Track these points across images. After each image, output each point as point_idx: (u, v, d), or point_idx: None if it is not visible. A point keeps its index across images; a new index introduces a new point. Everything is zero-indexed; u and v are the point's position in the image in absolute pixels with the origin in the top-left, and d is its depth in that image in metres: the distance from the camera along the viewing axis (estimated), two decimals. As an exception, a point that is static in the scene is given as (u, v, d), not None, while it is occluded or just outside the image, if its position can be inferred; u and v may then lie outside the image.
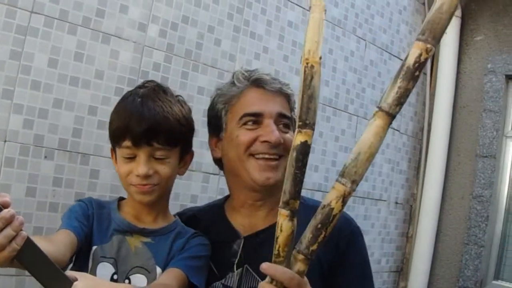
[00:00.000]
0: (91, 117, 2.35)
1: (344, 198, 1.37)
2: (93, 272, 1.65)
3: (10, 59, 2.14)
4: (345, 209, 1.95)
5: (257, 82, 1.89)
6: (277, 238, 1.40)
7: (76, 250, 1.61)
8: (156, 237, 1.75)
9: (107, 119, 2.30)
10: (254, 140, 1.82)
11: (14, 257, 1.20)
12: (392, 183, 4.03)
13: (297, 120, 1.40)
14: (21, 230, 1.20)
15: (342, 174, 1.37)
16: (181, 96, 1.89)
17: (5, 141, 2.13)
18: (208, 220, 1.98)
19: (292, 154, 1.38)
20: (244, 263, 1.81)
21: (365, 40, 3.71)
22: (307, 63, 1.38)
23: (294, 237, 1.41)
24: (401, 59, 3.96)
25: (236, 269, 1.82)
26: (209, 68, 2.79)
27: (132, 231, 1.74)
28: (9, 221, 1.17)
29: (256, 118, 1.84)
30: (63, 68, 2.28)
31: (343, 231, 1.87)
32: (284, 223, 1.39)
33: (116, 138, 1.72)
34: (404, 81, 1.35)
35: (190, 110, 1.86)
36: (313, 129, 1.38)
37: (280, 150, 1.81)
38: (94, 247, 1.69)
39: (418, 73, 1.34)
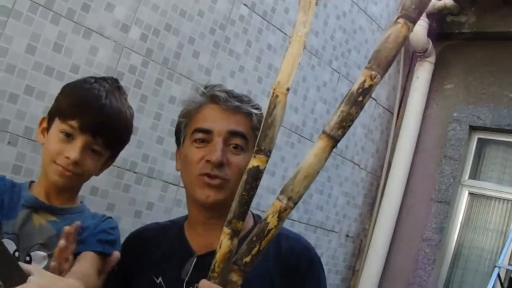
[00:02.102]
0: (60, 109, 2.34)
1: (280, 214, 1.40)
2: None
3: (-12, 39, 2.13)
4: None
5: (213, 98, 1.85)
6: (215, 254, 1.43)
7: None
8: (63, 216, 1.73)
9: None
10: (201, 159, 1.79)
11: None
12: (345, 216, 4.08)
13: (256, 144, 1.43)
14: None
15: (281, 191, 1.41)
16: (132, 108, 1.87)
17: (-30, 121, 2.12)
18: (168, 237, 1.97)
19: (244, 177, 1.41)
20: (195, 281, 1.80)
21: (339, 73, 3.77)
22: (273, 93, 1.42)
23: (232, 256, 1.43)
24: (373, 98, 4.05)
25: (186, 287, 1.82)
26: (183, 79, 2.81)
27: (39, 207, 1.70)
28: None
29: (206, 136, 1.81)
30: (40, 56, 2.28)
31: (303, 259, 1.88)
32: (224, 241, 1.42)
33: (64, 113, 1.68)
34: (347, 105, 1.39)
35: (132, 123, 1.87)
36: (267, 156, 1.41)
37: (223, 172, 1.77)
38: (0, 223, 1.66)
39: (361, 98, 1.39)
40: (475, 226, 4.21)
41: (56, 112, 1.72)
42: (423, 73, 4.35)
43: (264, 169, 1.42)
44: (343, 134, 1.41)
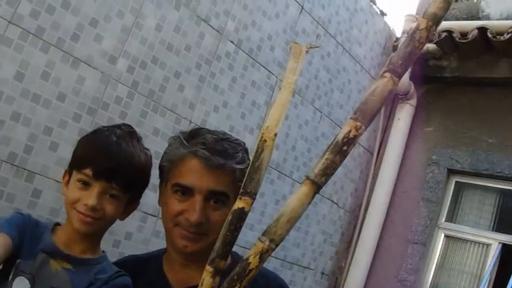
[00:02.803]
0: (45, 136, 2.38)
1: (262, 255, 1.43)
2: (10, 285, 1.66)
3: (-22, 65, 2.17)
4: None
5: (195, 155, 1.83)
6: None
7: (7, 256, 1.62)
8: (78, 266, 1.75)
9: (60, 142, 2.35)
10: (180, 213, 1.80)
11: None
12: (322, 254, 4.11)
13: (242, 186, 1.47)
14: None
15: (264, 233, 1.45)
16: (149, 150, 1.91)
17: (-45, 144, 2.14)
18: (147, 271, 1.98)
19: (228, 217, 1.45)
20: None
21: (321, 112, 3.83)
22: (262, 137, 1.46)
23: None
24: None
25: None
26: (168, 112, 2.85)
27: (57, 255, 1.74)
28: None
29: (187, 191, 1.81)
30: (28, 83, 2.31)
31: (271, 285, 1.91)
32: (206, 279, 1.45)
33: (79, 162, 1.74)
34: (332, 154, 1.44)
35: (151, 165, 1.91)
36: (253, 198, 1.45)
37: (202, 229, 1.79)
38: (18, 260, 1.69)
39: (346, 147, 1.44)
40: (450, 268, 4.25)
41: (73, 164, 1.77)
42: (404, 115, 4.43)
43: (249, 211, 1.46)
44: (326, 181, 1.46)
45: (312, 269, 4.03)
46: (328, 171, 1.46)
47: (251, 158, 1.49)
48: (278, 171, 3.57)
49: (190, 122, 2.97)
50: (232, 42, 3.16)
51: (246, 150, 1.91)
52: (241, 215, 1.45)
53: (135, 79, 2.69)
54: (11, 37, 2.25)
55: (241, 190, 1.46)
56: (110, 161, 1.72)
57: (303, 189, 1.47)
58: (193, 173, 1.82)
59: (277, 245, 1.45)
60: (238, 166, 1.84)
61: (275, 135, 1.47)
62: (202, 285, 1.46)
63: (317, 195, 3.52)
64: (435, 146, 4.36)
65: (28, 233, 1.74)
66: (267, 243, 1.44)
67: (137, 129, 2.42)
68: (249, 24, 3.25)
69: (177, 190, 1.82)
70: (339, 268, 4.35)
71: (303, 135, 3.71)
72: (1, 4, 2.20)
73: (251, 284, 1.87)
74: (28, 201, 2.35)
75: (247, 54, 3.26)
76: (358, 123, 1.43)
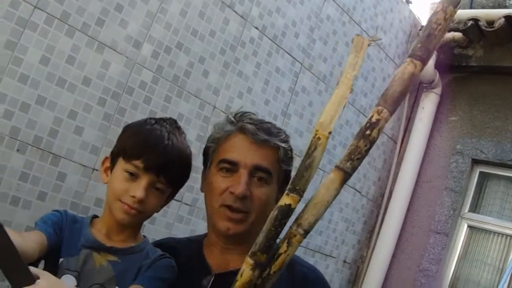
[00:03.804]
0: (70, 120, 2.39)
1: (290, 240, 1.45)
2: None
3: (5, 48, 2.18)
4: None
5: (242, 129, 1.88)
6: (235, 281, 1.47)
7: (44, 254, 1.62)
8: (123, 256, 1.76)
9: (84, 126, 2.36)
10: (225, 190, 1.82)
11: None
12: (344, 242, 4.10)
13: (290, 182, 1.47)
14: None
15: (294, 220, 1.46)
16: (190, 147, 1.92)
17: (-19, 126, 2.15)
18: (185, 253, 1.98)
19: (274, 212, 1.46)
20: None
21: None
22: (315, 134, 1.46)
23: (252, 286, 1.46)
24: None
25: None
26: (192, 97, 2.85)
27: (99, 248, 1.75)
28: None
29: (232, 166, 1.84)
30: (53, 67, 2.32)
31: (308, 278, 1.91)
32: (246, 271, 1.46)
33: (128, 153, 1.75)
34: (356, 139, 1.46)
35: (191, 161, 1.92)
36: (301, 196, 1.46)
37: (246, 204, 1.81)
38: (61, 259, 1.70)
39: (369, 132, 1.45)
40: (472, 260, 4.21)
41: (119, 152, 1.78)
42: (428, 104, 4.38)
43: (295, 208, 1.47)
44: (352, 166, 1.45)
45: (334, 257, 4.02)
46: (352, 156, 1.46)
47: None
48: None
49: (214, 107, 2.96)
50: (256, 28, 3.14)
51: (287, 134, 1.95)
52: (287, 211, 1.46)
53: (159, 64, 2.69)
54: (36, 22, 2.25)
55: (289, 186, 1.46)
56: (163, 155, 1.74)
57: (330, 176, 1.47)
58: (239, 148, 1.86)
59: (306, 231, 1.45)
60: (282, 144, 1.88)
61: (330, 133, 1.46)
62: (241, 276, 1.46)
63: (341, 183, 3.42)
64: (460, 136, 4.31)
65: (67, 230, 1.75)
66: (294, 228, 1.46)
67: (162, 115, 2.46)
68: (273, 10, 3.23)
69: (222, 167, 1.85)
70: (361, 257, 4.34)
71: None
72: (26, -11, 2.20)
73: (289, 274, 1.89)
74: (53, 184, 2.36)
75: (271, 40, 3.24)
76: (380, 107, 1.47)
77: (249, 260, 1.46)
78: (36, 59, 2.27)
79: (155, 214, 2.60)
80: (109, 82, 2.51)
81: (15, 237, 1.31)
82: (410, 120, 4.51)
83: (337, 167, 1.46)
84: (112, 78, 2.52)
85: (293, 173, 1.54)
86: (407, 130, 4.49)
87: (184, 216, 2.81)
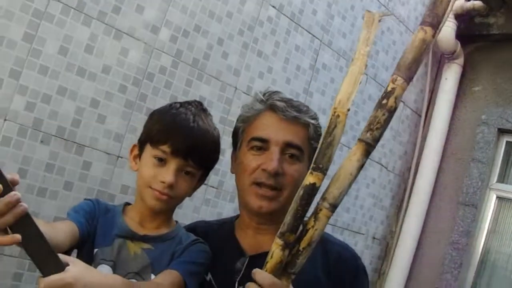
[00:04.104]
0: (92, 109, 2.39)
1: (316, 214, 1.46)
2: None
3: (22, 41, 2.18)
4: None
5: (272, 107, 1.87)
6: (266, 262, 1.47)
7: (77, 243, 1.63)
8: (157, 244, 1.76)
9: (107, 114, 2.36)
10: (257, 168, 1.82)
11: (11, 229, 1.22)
12: (372, 218, 4.08)
13: (312, 162, 1.47)
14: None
15: (322, 195, 1.47)
16: (217, 128, 1.91)
17: (5, 119, 2.16)
18: (217, 236, 1.98)
19: (300, 192, 1.46)
20: (246, 281, 1.81)
21: (367, 74, 3.77)
22: (334, 112, 1.46)
23: (282, 266, 1.47)
24: (401, 100, 4.03)
25: (237, 287, 1.83)
26: (213, 80, 2.83)
27: (133, 237, 1.75)
28: (13, 206, 1.20)
29: (263, 144, 1.83)
30: (72, 57, 2.32)
31: (350, 267, 1.90)
32: (276, 252, 1.47)
33: (156, 138, 1.74)
34: (374, 110, 1.47)
35: (220, 142, 1.91)
36: (324, 174, 1.46)
37: (278, 181, 1.80)
38: (96, 249, 1.71)
39: (385, 101, 1.46)
40: (502, 231, 4.16)
41: (146, 139, 1.78)
42: (451, 75, 4.32)
43: (320, 186, 1.47)
44: (373, 136, 1.45)
45: (363, 234, 4.00)
46: (372, 127, 1.46)
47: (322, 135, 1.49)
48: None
49: (236, 88, 2.95)
50: (273, 7, 3.10)
51: (315, 112, 1.94)
52: (312, 190, 1.46)
53: (178, 48, 2.67)
54: (52, 13, 2.25)
55: (312, 165, 1.46)
56: (189, 138, 1.72)
57: (352, 148, 1.47)
58: (269, 125, 1.85)
59: (331, 204, 1.45)
60: (312, 121, 1.87)
61: (348, 110, 1.45)
62: (272, 257, 1.46)
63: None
64: (485, 106, 4.25)
65: (100, 220, 1.76)
66: (320, 202, 1.46)
67: (183, 98, 2.45)
68: (290, -13, 3.19)
69: (253, 145, 1.85)
70: (390, 232, 4.32)
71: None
72: (41, -19, 2.20)
73: (322, 253, 1.89)
74: (79, 174, 2.37)
75: (289, 18, 3.20)
76: (394, 76, 1.48)
77: (278, 241, 1.46)
78: (54, 50, 2.27)
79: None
80: (129, 69, 2.50)
81: (44, 227, 1.31)
82: (433, 92, 4.45)
83: (358, 139, 1.47)
84: (131, 65, 2.51)
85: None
86: (431, 102, 4.43)
87: (210, 199, 2.81)
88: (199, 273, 1.77)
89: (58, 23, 2.27)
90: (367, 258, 4.12)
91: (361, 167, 1.46)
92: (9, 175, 1.23)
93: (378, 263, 4.26)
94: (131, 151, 1.87)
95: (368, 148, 1.46)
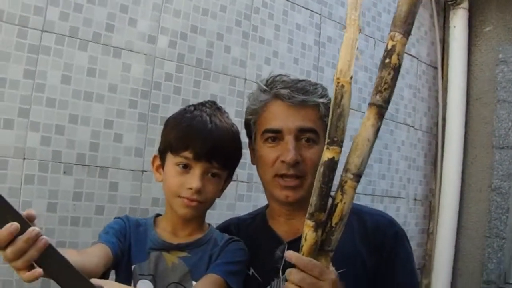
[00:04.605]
0: (107, 130, 2.38)
1: (342, 188, 1.44)
2: None
3: (24, 78, 2.17)
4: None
5: (277, 96, 1.85)
6: (301, 246, 1.46)
7: (112, 264, 1.63)
8: (193, 250, 1.76)
9: (122, 132, 2.35)
10: (276, 160, 1.80)
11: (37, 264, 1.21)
12: (410, 180, 4.02)
13: (326, 137, 1.44)
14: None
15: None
16: (235, 125, 1.89)
17: (24, 158, 2.16)
18: (251, 229, 1.98)
19: (320, 169, 1.44)
20: (289, 268, 1.80)
21: (373, 38, 3.71)
22: (338, 83, 1.44)
23: (318, 247, 1.45)
24: (411, 55, 3.97)
25: (282, 275, 1.81)
26: (220, 76, 2.81)
27: (168, 248, 1.75)
28: (34, 241, 1.18)
29: (276, 135, 1.81)
30: (76, 84, 2.31)
31: (388, 234, 1.87)
32: (308, 234, 1.45)
33: (176, 146, 1.73)
34: (379, 71, 1.45)
35: (240, 139, 1.89)
36: (340, 146, 1.44)
37: (299, 169, 1.78)
38: (133, 266, 1.71)
39: (388, 60, 1.43)
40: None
41: (166, 148, 1.77)
42: (458, 21, 4.22)
43: (338, 160, 1.44)
44: (383, 98, 1.43)
45: (403, 198, 3.95)
46: (379, 88, 1.44)
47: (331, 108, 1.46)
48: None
49: (245, 80, 2.92)
50: (266, -10, 3.07)
51: (324, 88, 1.91)
52: (332, 165, 1.43)
53: (179, 52, 2.65)
54: (48, 45, 2.24)
55: (327, 140, 1.44)
56: (209, 140, 1.70)
57: (365, 114, 1.46)
58: (278, 115, 1.82)
59: (355, 174, 1.42)
60: (321, 100, 1.84)
61: (351, 78, 1.43)
62: (306, 240, 1.45)
63: (391, 122, 3.47)
64: (499, 45, 4.14)
65: (132, 235, 1.75)
66: (343, 175, 1.44)
67: (194, 100, 2.44)
68: (279, -33, 3.15)
69: (267, 138, 1.83)
70: (431, 190, 4.25)
71: (361, 65, 3.61)
72: (29, 17, 2.18)
73: (359, 225, 1.87)
74: (107, 196, 2.37)
75: (283, -1, 3.17)
76: (391, 33, 1.44)
77: (309, 223, 1.44)
78: (57, 80, 2.26)
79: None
80: (134, 83, 2.49)
81: (74, 256, 1.31)
82: (444, 42, 4.37)
83: (369, 104, 1.45)
84: (136, 79, 2.49)
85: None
86: (444, 53, 4.34)
87: (243, 194, 2.80)
88: (240, 272, 1.75)
89: (55, 53, 2.26)
90: (412, 221, 4.07)
91: (377, 131, 1.44)
92: (24, 212, 1.21)
93: (424, 224, 4.20)
94: (153, 162, 1.86)
95: (380, 110, 1.43)
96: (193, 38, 2.71)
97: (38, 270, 1.20)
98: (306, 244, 1.44)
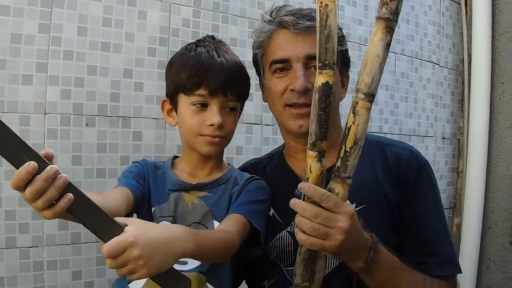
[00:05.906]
0: (127, 80, 2.35)
1: (354, 109, 1.38)
2: None
3: (40, 33, 2.14)
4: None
5: (282, 24, 1.80)
6: (307, 179, 1.41)
7: (133, 207, 1.62)
8: (213, 189, 1.74)
9: (143, 81, 2.33)
10: (285, 89, 1.77)
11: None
12: (437, 118, 3.95)
13: (317, 61, 1.39)
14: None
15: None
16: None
17: (45, 113, 2.15)
18: (269, 169, 1.96)
19: (315, 96, 1.39)
20: None
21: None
22: (321, 2, 1.36)
23: (324, 177, 1.40)
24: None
25: None
26: (238, 19, 2.75)
27: (186, 188, 1.73)
28: (52, 179, 1.16)
29: (284, 65, 1.78)
30: (93, 35, 2.27)
31: (411, 165, 1.82)
32: (312, 165, 1.40)
33: (187, 86, 1.70)
34: None
35: None
36: (333, 69, 1.38)
37: (310, 96, 1.71)
38: (153, 208, 1.70)
39: None
40: None
41: (177, 89, 1.74)
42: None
43: (334, 83, 1.39)
44: (390, 10, 1.35)
45: (431, 136, 3.89)
46: (385, 0, 1.35)
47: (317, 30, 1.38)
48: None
49: (264, 21, 2.85)
50: None
51: None
52: (327, 89, 1.37)
53: (196, -4, 2.60)
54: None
55: (318, 64, 1.38)
56: (222, 74, 1.68)
57: (373, 30, 1.38)
58: (285, 44, 1.77)
59: (366, 93, 1.36)
60: None
61: None
62: (311, 171, 1.40)
63: (415, 60, 3.38)
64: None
65: (151, 178, 1.74)
66: (354, 95, 1.38)
67: (213, 44, 2.39)
68: None
69: (275, 69, 1.79)
70: (459, 128, 4.18)
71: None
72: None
73: (380, 157, 1.82)
74: (132, 146, 2.36)
75: None
76: None
77: (311, 153, 1.39)
78: (73, 32, 2.23)
79: (241, 144, 2.59)
80: (152, 31, 2.44)
81: (95, 196, 1.28)
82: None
83: (376, 18, 1.37)
84: (153, 26, 2.45)
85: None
86: (467, -14, 4.22)
87: (269, 137, 2.77)
88: (263, 211, 1.74)
89: (69, 6, 2.22)
90: (442, 160, 4.01)
91: (386, 45, 1.35)
92: (42, 151, 1.19)
93: (453, 162, 4.14)
94: (162, 107, 1.84)
95: (388, 23, 1.34)
96: (209, -19, 2.65)
97: (60, 205, 1.18)
98: (311, 176, 1.40)
